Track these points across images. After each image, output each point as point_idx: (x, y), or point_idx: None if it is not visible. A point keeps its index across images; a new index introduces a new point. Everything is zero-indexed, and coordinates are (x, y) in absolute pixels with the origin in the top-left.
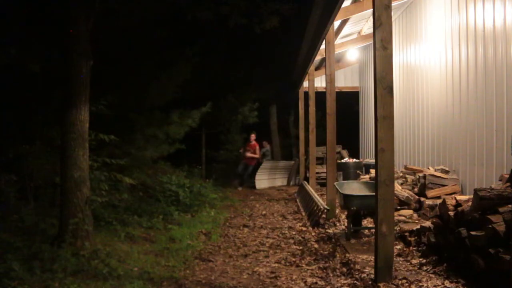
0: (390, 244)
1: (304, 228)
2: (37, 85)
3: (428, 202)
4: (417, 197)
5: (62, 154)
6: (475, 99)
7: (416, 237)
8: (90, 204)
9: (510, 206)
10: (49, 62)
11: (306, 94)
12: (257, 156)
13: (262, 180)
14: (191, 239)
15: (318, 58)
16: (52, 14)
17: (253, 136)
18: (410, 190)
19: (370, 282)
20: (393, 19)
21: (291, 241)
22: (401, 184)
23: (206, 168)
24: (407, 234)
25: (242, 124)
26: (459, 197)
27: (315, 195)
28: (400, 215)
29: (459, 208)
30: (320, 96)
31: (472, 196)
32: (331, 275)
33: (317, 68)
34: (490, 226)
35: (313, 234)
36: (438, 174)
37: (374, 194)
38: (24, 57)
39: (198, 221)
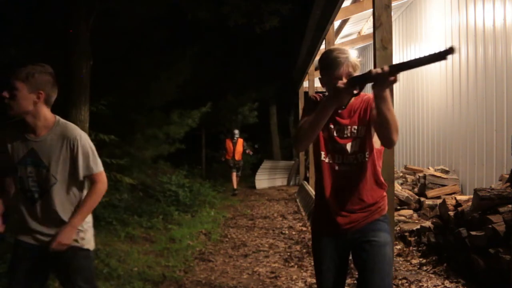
0: None
1: (304, 228)
2: None
3: (428, 202)
4: (417, 197)
5: None
6: (475, 99)
7: (416, 237)
8: None
9: (510, 206)
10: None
11: (306, 94)
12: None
13: (262, 180)
14: (191, 239)
15: (318, 58)
16: (52, 14)
17: None
18: (410, 190)
19: None
20: (393, 19)
21: (291, 241)
22: (401, 184)
23: (206, 168)
24: (407, 234)
25: (242, 124)
26: (459, 197)
27: None
28: (400, 215)
29: (459, 208)
30: None
31: (472, 196)
32: None
33: (317, 68)
34: (490, 226)
35: None
36: (438, 174)
37: None
38: (24, 57)
39: (198, 221)
